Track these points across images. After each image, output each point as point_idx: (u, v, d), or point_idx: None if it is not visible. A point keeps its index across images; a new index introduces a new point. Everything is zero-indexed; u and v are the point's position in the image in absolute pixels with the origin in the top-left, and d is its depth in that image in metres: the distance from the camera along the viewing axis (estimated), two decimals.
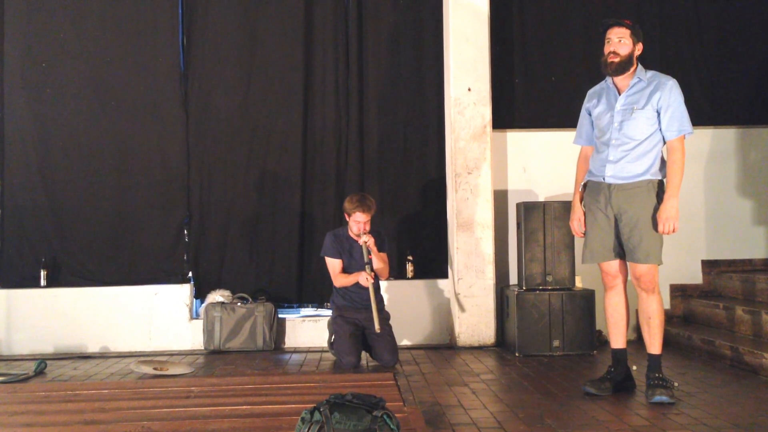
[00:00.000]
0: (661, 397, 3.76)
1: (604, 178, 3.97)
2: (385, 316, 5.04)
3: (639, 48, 3.97)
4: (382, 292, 5.33)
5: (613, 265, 4.03)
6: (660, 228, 3.83)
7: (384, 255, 5.06)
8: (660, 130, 3.92)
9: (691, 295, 5.95)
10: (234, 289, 5.80)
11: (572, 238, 5.30)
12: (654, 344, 3.93)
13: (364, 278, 4.86)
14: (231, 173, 5.95)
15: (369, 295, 4.89)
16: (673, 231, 3.83)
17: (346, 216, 5.04)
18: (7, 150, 5.86)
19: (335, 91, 6.01)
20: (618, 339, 4.08)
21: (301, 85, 5.97)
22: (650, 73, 3.99)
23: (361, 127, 6.00)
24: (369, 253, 4.88)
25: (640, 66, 3.99)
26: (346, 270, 5.04)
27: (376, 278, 5.01)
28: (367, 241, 4.89)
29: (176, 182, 5.92)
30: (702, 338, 5.10)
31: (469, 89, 5.71)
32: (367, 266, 4.86)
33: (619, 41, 3.92)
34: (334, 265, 5.06)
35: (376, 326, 4.77)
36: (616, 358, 4.07)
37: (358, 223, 4.93)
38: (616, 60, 3.92)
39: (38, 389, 4.30)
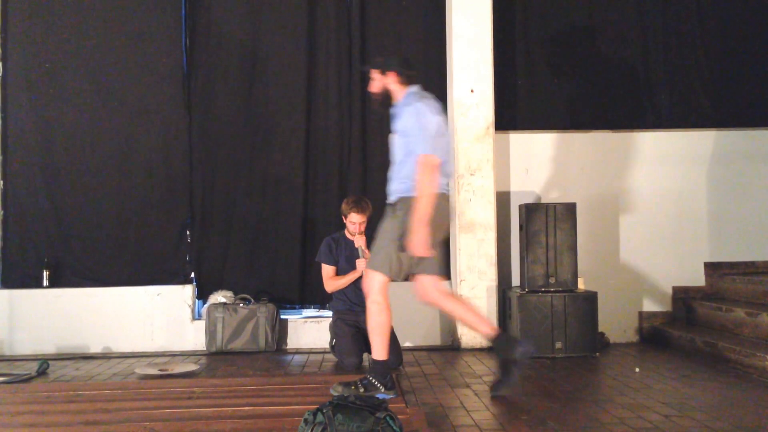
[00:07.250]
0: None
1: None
2: None
3: (391, 76, 4.01)
4: None
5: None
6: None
7: None
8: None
9: (694, 297, 5.94)
10: (236, 290, 5.80)
11: (575, 240, 5.31)
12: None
13: (361, 264, 4.92)
14: (233, 174, 5.95)
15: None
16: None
17: (343, 218, 5.06)
18: (10, 151, 5.87)
19: (338, 92, 6.01)
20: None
21: (304, 86, 5.97)
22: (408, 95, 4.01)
23: (363, 129, 6.00)
24: (363, 256, 4.96)
25: (408, 89, 4.01)
26: (340, 274, 5.10)
27: None
28: (361, 244, 4.97)
29: (179, 183, 5.92)
30: (704, 340, 5.10)
31: (472, 91, 5.71)
32: (360, 252, 4.96)
33: (370, 82, 4.08)
34: (327, 271, 5.13)
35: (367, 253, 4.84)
36: None
37: (353, 224, 5.00)
38: (377, 98, 4.09)
39: (40, 389, 4.30)
